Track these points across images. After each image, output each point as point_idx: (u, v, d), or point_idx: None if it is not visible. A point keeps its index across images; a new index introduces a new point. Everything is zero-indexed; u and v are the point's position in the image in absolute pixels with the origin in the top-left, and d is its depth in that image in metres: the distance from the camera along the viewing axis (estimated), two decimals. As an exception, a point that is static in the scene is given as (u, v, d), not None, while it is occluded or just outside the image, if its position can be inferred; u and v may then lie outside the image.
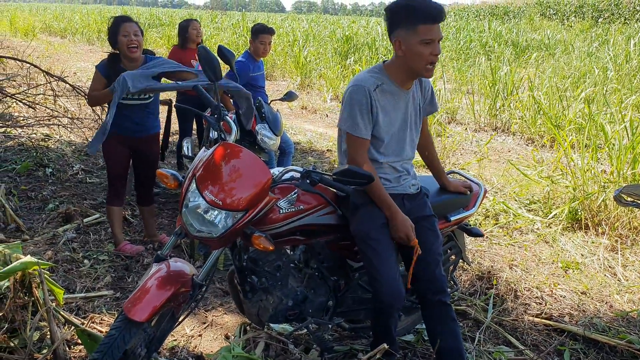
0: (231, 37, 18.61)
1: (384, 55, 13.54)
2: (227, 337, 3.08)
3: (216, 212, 2.18)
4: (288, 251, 2.64)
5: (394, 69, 2.50)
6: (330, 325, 2.79)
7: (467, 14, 36.69)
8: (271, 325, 2.95)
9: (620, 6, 28.77)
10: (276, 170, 2.46)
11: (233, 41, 17.70)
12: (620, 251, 4.35)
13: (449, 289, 2.72)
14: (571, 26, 26.69)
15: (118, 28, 3.70)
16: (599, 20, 28.32)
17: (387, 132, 2.53)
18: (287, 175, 2.43)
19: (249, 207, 2.18)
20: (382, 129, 2.51)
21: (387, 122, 2.51)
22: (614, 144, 5.18)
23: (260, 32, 5.04)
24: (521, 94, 9.10)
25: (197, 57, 5.31)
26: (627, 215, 4.63)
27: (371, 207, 2.53)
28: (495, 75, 9.53)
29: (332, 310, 2.75)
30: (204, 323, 3.23)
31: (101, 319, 3.15)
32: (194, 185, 2.21)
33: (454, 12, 37.77)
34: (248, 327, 3.10)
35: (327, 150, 7.58)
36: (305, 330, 2.76)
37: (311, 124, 9.57)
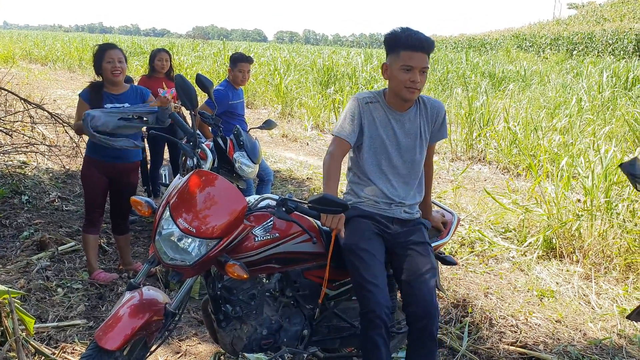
0: (212, 65, 18.71)
1: (364, 86, 13.71)
2: (201, 367, 3.05)
3: (190, 240, 2.18)
4: (263, 279, 2.63)
5: (388, 94, 2.67)
6: (305, 355, 2.77)
7: (445, 46, 37.43)
8: (245, 354, 2.92)
9: (594, 39, 29.62)
10: (252, 198, 2.47)
11: (214, 69, 17.80)
12: (594, 279, 4.41)
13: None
14: (547, 58, 27.37)
15: (103, 55, 3.77)
16: (574, 52, 29.10)
17: (378, 150, 2.62)
18: (262, 203, 2.44)
19: (223, 235, 2.19)
20: (372, 144, 2.62)
21: (376, 137, 2.61)
22: (587, 176, 5.28)
23: (239, 61, 5.11)
24: (497, 124, 9.26)
25: (164, 86, 5.43)
26: (600, 244, 4.70)
27: (360, 220, 2.59)
28: (472, 105, 9.70)
29: (307, 339, 2.73)
30: (178, 352, 3.19)
31: (73, 349, 3.10)
32: (167, 213, 2.21)
33: (433, 44, 38.35)
34: (222, 357, 3.07)
35: (307, 178, 7.61)
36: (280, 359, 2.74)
37: (292, 152, 9.62)
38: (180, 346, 3.26)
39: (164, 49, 5.71)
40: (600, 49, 28.43)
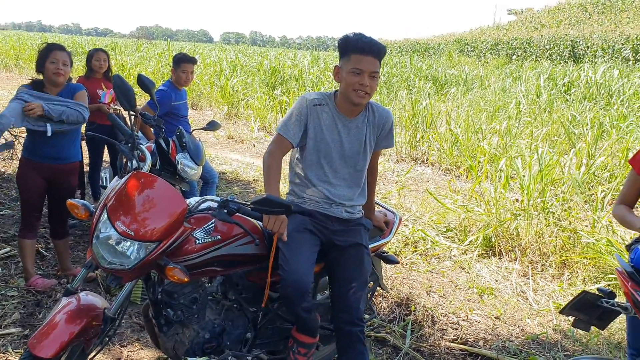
0: (156, 66, 18.37)
1: (311, 88, 13.76)
2: (142, 373, 2.98)
3: (128, 243, 2.13)
4: (205, 283, 2.60)
5: (338, 97, 2.66)
6: (249, 358, 2.76)
7: (391, 50, 37.97)
8: (188, 359, 2.88)
9: (532, 45, 30.70)
10: (192, 200, 2.44)
11: (158, 70, 17.48)
12: (532, 276, 4.57)
13: (365, 318, 2.75)
14: (487, 62, 28.19)
15: (48, 54, 3.65)
16: (513, 57, 30.09)
17: (322, 153, 2.63)
18: (203, 205, 2.41)
19: (162, 238, 2.15)
20: (316, 146, 2.62)
21: (321, 140, 2.61)
22: (524, 176, 5.48)
23: (182, 61, 5.03)
24: (439, 127, 9.47)
25: (102, 87, 5.31)
26: (537, 242, 4.88)
27: (298, 215, 2.60)
28: (416, 108, 9.89)
29: (250, 342, 2.71)
30: (119, 359, 3.11)
31: (6, 359, 2.98)
32: (105, 216, 2.15)
33: (379, 47, 38.91)
34: (164, 362, 3.02)
35: (254, 180, 7.57)
36: (224, 363, 2.71)
37: (238, 153, 9.55)
38: (121, 352, 3.18)
39: (102, 49, 5.57)
40: (538, 54, 29.50)
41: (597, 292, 2.25)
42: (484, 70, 22.09)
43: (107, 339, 2.34)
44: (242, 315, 2.66)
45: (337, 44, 2.67)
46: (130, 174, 2.27)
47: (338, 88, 2.67)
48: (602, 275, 4.44)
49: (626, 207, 2.52)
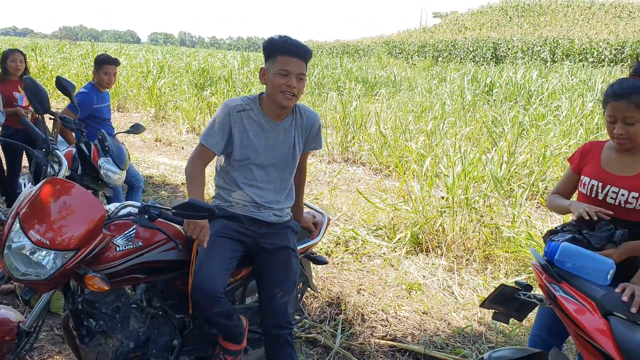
0: (80, 67, 17.71)
1: (241, 89, 13.66)
2: (64, 387, 2.86)
3: (44, 253, 2.04)
4: (128, 291, 2.53)
5: (264, 100, 2.64)
6: (176, 365, 2.70)
7: (321, 51, 38.29)
8: (113, 370, 2.79)
9: (457, 47, 31.75)
10: (112, 206, 2.36)
11: (82, 72, 16.85)
12: (457, 271, 4.72)
13: (295, 319, 2.76)
14: (415, 64, 28.90)
15: None
16: (439, 59, 31.00)
17: (250, 158, 2.59)
18: (123, 211, 2.34)
19: (80, 246, 2.07)
20: (243, 153, 2.58)
21: (247, 146, 2.58)
22: (447, 174, 5.65)
23: (104, 63, 4.88)
24: (369, 127, 9.62)
25: (19, 89, 5.07)
26: (461, 237, 5.04)
27: (223, 220, 2.59)
28: (346, 109, 10.01)
29: (177, 349, 2.66)
30: (38, 374, 2.98)
31: None
32: (17, 225, 2.05)
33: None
34: (87, 375, 2.90)
35: (182, 183, 7.42)
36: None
37: (166, 156, 9.34)
38: (40, 367, 3.04)
39: (18, 50, 5.31)
40: (462, 56, 30.55)
41: (514, 285, 2.34)
42: (412, 72, 22.65)
43: (24, 353, 2.24)
44: (167, 322, 2.61)
45: (263, 46, 2.64)
46: (44, 180, 2.17)
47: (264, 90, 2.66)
48: (523, 268, 4.64)
49: (558, 194, 2.64)
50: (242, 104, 2.61)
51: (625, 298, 1.89)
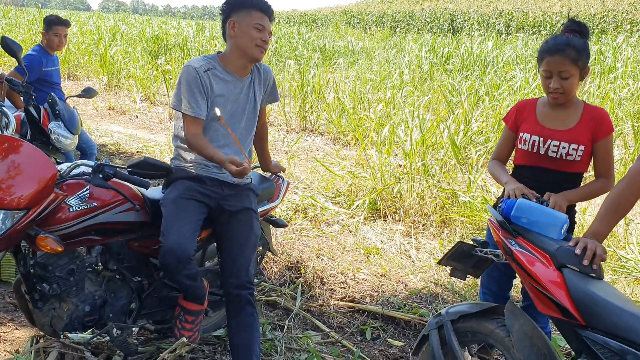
0: (26, 33, 16.95)
1: (196, 56, 13.35)
2: (18, 353, 2.79)
3: (-8, 212, 1.96)
4: (82, 253, 2.46)
5: (227, 57, 2.58)
6: (134, 329, 2.66)
7: (279, 20, 37.74)
8: (68, 334, 2.73)
9: (414, 17, 31.80)
10: (64, 166, 2.28)
11: (29, 38, 16.13)
12: (414, 236, 4.79)
13: (255, 281, 2.75)
14: (373, 35, 28.83)
15: None
16: (397, 30, 31.00)
17: (209, 114, 2.53)
18: (76, 170, 2.27)
19: (30, 206, 2.00)
20: (210, 112, 2.51)
21: (216, 105, 2.51)
22: (405, 140, 5.69)
23: (54, 24, 4.67)
24: (327, 97, 9.58)
25: None
26: (419, 203, 5.11)
27: (184, 181, 2.55)
28: (304, 78, 9.92)
29: (135, 312, 2.62)
30: (-10, 342, 2.89)
31: None
32: (-37, 184, 1.96)
33: (267, 18, 38.78)
34: (41, 339, 2.84)
35: (137, 152, 7.25)
36: (107, 336, 2.59)
37: (119, 125, 9.10)
38: (-8, 334, 2.95)
39: None
40: (420, 27, 30.63)
41: (471, 243, 2.39)
42: (370, 42, 22.59)
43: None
44: (125, 285, 2.56)
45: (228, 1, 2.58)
46: (-10, 137, 2.08)
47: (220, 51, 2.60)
48: (478, 232, 4.75)
49: (499, 162, 2.70)
50: (205, 63, 2.54)
51: (578, 251, 1.95)
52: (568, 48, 2.35)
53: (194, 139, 2.47)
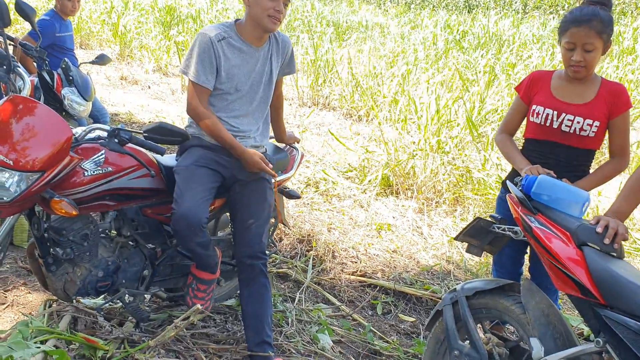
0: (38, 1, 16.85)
1: (209, 28, 13.22)
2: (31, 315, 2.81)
3: (7, 174, 1.95)
4: (96, 218, 2.45)
5: (243, 26, 2.52)
6: (146, 295, 2.67)
7: (293, -6, 37.32)
8: (80, 299, 2.74)
9: (430, -5, 31.27)
10: (79, 129, 2.26)
11: (41, 5, 16.04)
12: (427, 213, 4.76)
13: (267, 252, 2.73)
14: (387, 11, 28.45)
15: None
16: (412, 6, 30.56)
17: (233, 87, 2.50)
18: (92, 135, 2.24)
19: (45, 168, 1.98)
20: (226, 83, 2.48)
21: (232, 76, 2.48)
22: (421, 116, 5.63)
23: (68, -12, 4.61)
24: (341, 72, 9.48)
25: None
26: (432, 180, 5.07)
27: (198, 148, 2.51)
28: (318, 53, 9.82)
29: (148, 279, 2.62)
30: (3, 304, 2.90)
31: None
32: (-23, 145, 1.94)
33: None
34: (54, 304, 2.85)
35: (149, 122, 7.22)
36: (120, 302, 2.60)
37: (132, 95, 9.06)
38: (5, 297, 2.96)
39: None
40: (435, 3, 30.17)
41: (489, 219, 2.35)
42: (384, 18, 22.28)
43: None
44: (138, 252, 2.56)
45: None
46: (5, 98, 2.05)
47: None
48: (491, 210, 4.69)
49: (508, 136, 2.64)
50: (221, 32, 2.47)
51: (599, 229, 1.91)
52: (595, 19, 2.27)
53: (200, 113, 2.44)
